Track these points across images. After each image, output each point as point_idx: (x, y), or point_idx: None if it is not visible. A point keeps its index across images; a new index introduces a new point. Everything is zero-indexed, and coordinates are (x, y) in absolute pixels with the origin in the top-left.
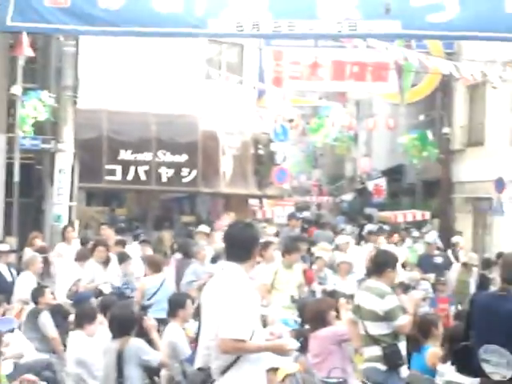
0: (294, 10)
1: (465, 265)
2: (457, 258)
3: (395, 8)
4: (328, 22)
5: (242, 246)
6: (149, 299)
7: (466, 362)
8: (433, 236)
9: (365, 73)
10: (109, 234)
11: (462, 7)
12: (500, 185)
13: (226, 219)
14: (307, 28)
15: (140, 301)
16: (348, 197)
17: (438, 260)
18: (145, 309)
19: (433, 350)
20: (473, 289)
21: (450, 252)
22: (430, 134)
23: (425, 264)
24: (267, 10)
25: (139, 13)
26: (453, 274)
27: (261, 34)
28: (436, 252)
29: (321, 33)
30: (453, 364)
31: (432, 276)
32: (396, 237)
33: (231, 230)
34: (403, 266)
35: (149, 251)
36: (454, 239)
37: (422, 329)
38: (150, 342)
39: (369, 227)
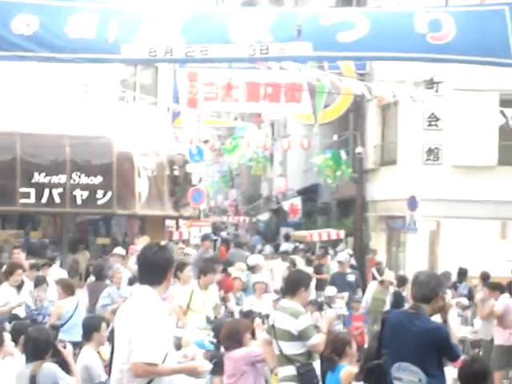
0: (207, 35)
1: (382, 283)
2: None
3: (306, 29)
4: (240, 45)
5: (154, 268)
6: (66, 322)
7: (378, 380)
8: (344, 254)
9: (279, 94)
10: (20, 257)
11: (372, 25)
12: (413, 203)
13: (141, 242)
14: (220, 52)
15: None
16: (264, 216)
17: (351, 278)
18: (56, 329)
19: (347, 368)
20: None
21: (374, 270)
22: (343, 154)
23: (338, 282)
24: (179, 35)
25: (53, 39)
26: (369, 292)
27: (174, 59)
28: (348, 270)
29: (234, 56)
30: (366, 382)
31: (346, 294)
32: (327, 258)
33: (144, 253)
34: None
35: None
36: (377, 258)
37: (336, 347)
38: (65, 366)
39: (284, 246)
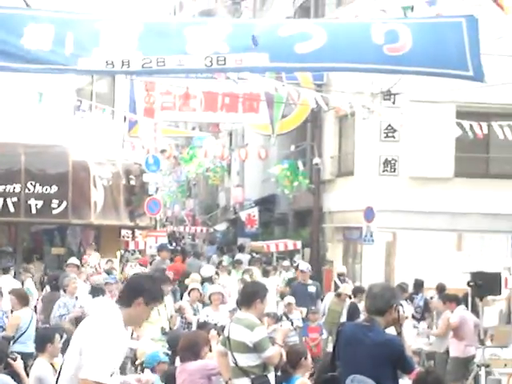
0: (164, 47)
1: (339, 295)
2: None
3: (263, 40)
4: (197, 56)
5: (127, 290)
6: (23, 333)
7: None
8: (306, 264)
9: (236, 104)
10: None
11: (329, 36)
12: (369, 214)
13: (93, 256)
14: (177, 63)
15: (8, 336)
16: (221, 227)
17: (312, 289)
18: (8, 341)
19: (302, 380)
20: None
21: (337, 280)
22: (300, 165)
23: (299, 292)
24: (137, 48)
25: (10, 48)
26: (326, 304)
27: (131, 71)
28: (309, 281)
29: (190, 68)
30: None
31: (304, 309)
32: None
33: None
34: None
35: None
36: (340, 269)
37: (291, 359)
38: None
39: (238, 256)
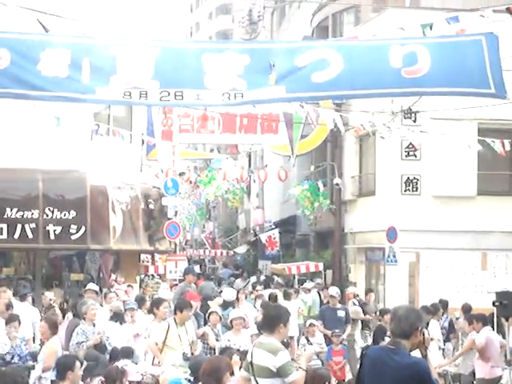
0: (181, 79)
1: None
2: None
3: (280, 71)
4: (215, 92)
5: None
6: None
7: None
8: (336, 289)
9: (255, 125)
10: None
11: (345, 63)
12: (392, 234)
13: (129, 291)
14: (195, 98)
15: (50, 366)
16: (242, 249)
17: (341, 313)
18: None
19: None
20: (358, 342)
21: (353, 302)
22: (321, 185)
23: (328, 317)
24: (153, 78)
25: (25, 75)
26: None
27: (149, 103)
28: (339, 305)
29: (208, 103)
30: None
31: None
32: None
33: None
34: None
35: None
36: (351, 290)
37: (315, 383)
38: None
39: (254, 279)
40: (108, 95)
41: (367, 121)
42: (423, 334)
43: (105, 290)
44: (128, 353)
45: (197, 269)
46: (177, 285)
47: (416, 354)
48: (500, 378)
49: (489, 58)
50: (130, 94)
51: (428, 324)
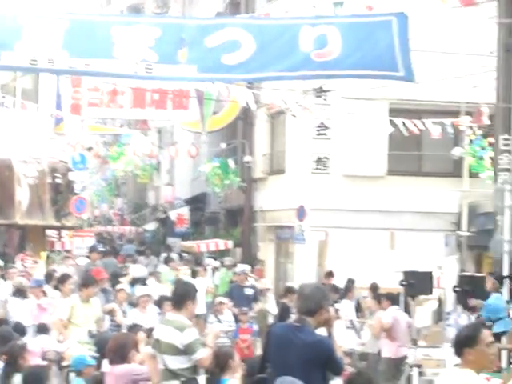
0: (91, 49)
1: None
2: None
3: (191, 51)
4: (125, 62)
5: None
6: None
7: None
8: (244, 266)
9: (165, 100)
10: None
11: (257, 46)
12: (302, 213)
13: (36, 268)
14: (103, 67)
15: None
16: (151, 226)
17: (249, 292)
18: None
19: (231, 382)
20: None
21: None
22: (231, 163)
23: (236, 295)
24: (62, 48)
25: None
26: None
27: (56, 70)
28: (247, 283)
29: (117, 73)
30: None
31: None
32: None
33: None
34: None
35: None
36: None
37: (219, 361)
38: None
39: (173, 257)
40: (13, 60)
41: (279, 99)
42: (328, 312)
43: (8, 265)
44: (43, 329)
45: (102, 246)
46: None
47: (322, 331)
48: (405, 357)
49: (399, 40)
50: (36, 61)
51: (336, 302)
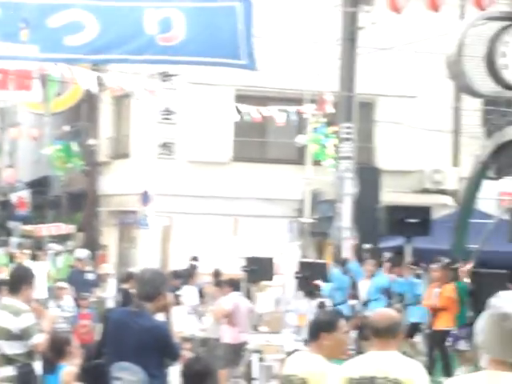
0: None
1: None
2: None
3: (32, 31)
4: None
5: None
6: None
7: (97, 380)
8: (85, 252)
9: (7, 81)
10: None
11: (101, 27)
12: (145, 198)
13: None
14: None
15: None
16: None
17: (90, 276)
18: None
19: (67, 368)
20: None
21: None
22: (75, 146)
23: (75, 280)
24: None
25: None
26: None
27: None
28: (88, 268)
29: None
30: (84, 383)
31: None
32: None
33: None
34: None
35: None
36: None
37: (55, 347)
38: None
39: (12, 241)
40: None
41: (124, 82)
42: (167, 298)
43: None
44: None
45: None
46: None
47: (160, 317)
48: (245, 343)
49: (242, 27)
50: None
51: (179, 288)
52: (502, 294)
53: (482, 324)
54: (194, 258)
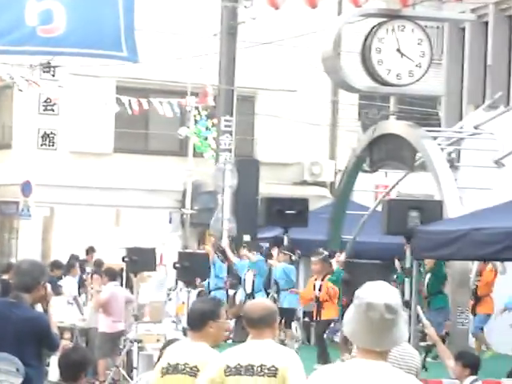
0: None
1: None
2: None
3: None
4: None
5: None
6: None
7: None
8: None
9: None
10: None
11: None
12: (27, 188)
13: None
14: None
15: None
16: None
17: None
18: None
19: None
20: None
21: None
22: None
23: None
24: None
25: None
26: None
27: None
28: None
29: None
30: None
31: None
32: None
33: None
34: None
35: None
36: None
37: None
38: None
39: None
40: None
41: (5, 72)
42: (46, 289)
43: None
44: None
45: None
46: None
47: (38, 308)
48: (122, 332)
49: (124, 20)
50: None
51: (60, 278)
52: (367, 284)
53: (349, 314)
54: (74, 257)
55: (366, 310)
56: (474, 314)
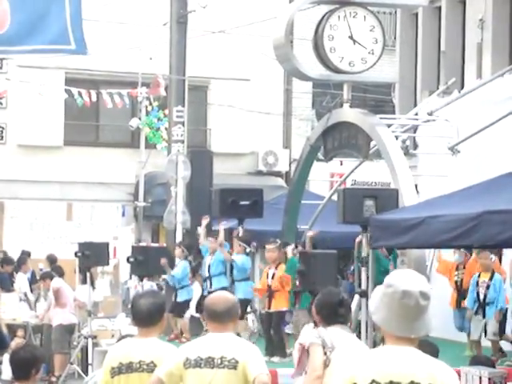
0: None
1: None
2: None
3: None
4: None
5: None
6: None
7: None
8: None
9: None
10: None
11: None
12: None
13: None
14: None
15: None
16: None
17: None
18: None
19: None
20: None
21: None
22: None
23: None
24: None
25: None
26: None
27: None
28: None
29: None
30: None
31: None
32: None
33: None
34: None
35: None
36: None
37: None
38: None
39: None
40: None
41: None
42: None
43: None
44: None
45: None
46: None
47: None
48: (75, 324)
49: (70, 11)
50: None
51: (11, 275)
52: (396, 272)
53: (377, 303)
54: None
55: (402, 297)
56: (459, 308)
